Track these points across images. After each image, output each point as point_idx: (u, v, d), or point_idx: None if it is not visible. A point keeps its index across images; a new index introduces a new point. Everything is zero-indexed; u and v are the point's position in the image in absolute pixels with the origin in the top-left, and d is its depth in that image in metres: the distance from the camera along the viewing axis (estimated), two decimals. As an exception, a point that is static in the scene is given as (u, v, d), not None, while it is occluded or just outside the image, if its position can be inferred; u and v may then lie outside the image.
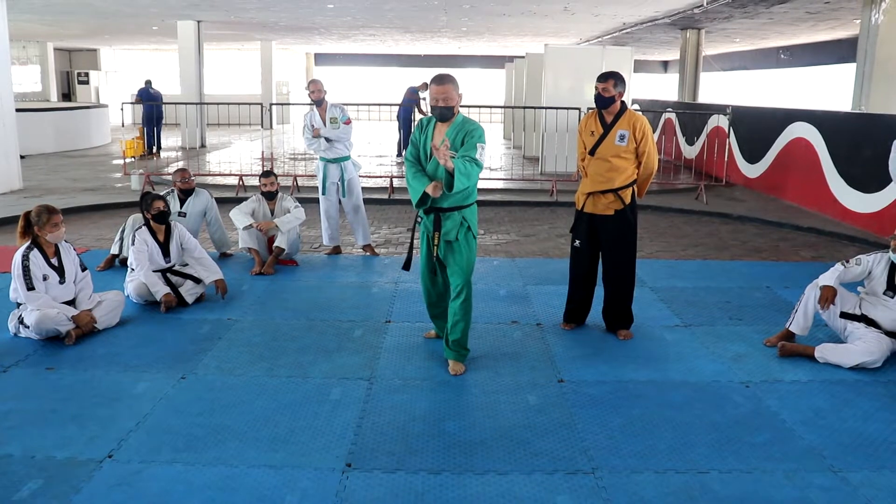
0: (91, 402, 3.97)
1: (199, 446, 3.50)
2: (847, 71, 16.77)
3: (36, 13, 17.26)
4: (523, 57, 17.61)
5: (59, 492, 3.10)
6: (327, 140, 7.17)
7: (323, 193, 7.29)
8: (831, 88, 21.91)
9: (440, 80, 4.28)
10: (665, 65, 32.36)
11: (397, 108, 15.84)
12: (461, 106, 4.35)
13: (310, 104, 7.41)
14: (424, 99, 17.85)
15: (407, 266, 4.57)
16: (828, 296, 4.65)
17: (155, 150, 16.48)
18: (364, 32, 21.30)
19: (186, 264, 5.86)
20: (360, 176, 7.53)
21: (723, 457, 3.48)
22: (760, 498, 3.14)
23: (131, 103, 16.23)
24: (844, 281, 4.76)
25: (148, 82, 17.37)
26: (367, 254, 7.46)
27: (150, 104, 16.13)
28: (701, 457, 3.48)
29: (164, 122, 17.03)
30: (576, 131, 5.30)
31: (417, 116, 15.56)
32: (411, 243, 4.69)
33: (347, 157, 7.30)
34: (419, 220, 4.50)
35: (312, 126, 7.21)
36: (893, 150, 6.18)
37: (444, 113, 4.28)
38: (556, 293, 5.81)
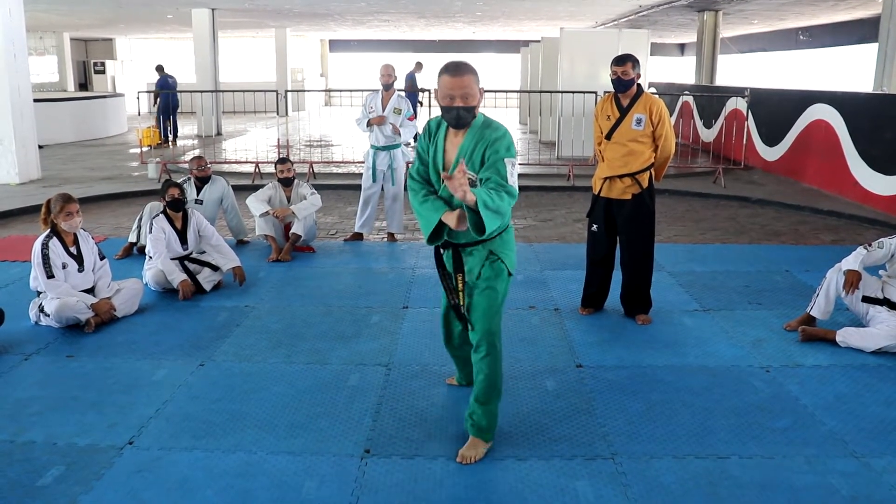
0: (111, 389, 4.00)
1: (218, 433, 3.52)
2: (868, 51, 16.53)
3: (52, 3, 17.33)
4: (539, 41, 17.49)
5: (80, 478, 3.13)
6: (369, 125, 7.14)
7: (373, 181, 7.26)
8: (852, 69, 21.60)
9: (457, 69, 3.07)
10: (682, 47, 32.04)
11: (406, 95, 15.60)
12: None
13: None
14: (423, 91, 17.43)
15: (457, 311, 3.38)
16: (853, 280, 4.60)
17: (172, 138, 16.53)
18: (378, 18, 21.21)
19: (204, 252, 5.88)
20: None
21: (743, 442, 3.46)
22: (781, 484, 3.12)
23: (147, 92, 16.21)
24: (867, 265, 4.71)
25: (160, 68, 17.34)
26: (386, 240, 7.46)
27: (166, 93, 16.17)
28: (721, 442, 3.46)
29: (179, 110, 17.04)
30: (592, 115, 5.25)
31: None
32: (444, 283, 3.42)
33: (398, 146, 7.27)
34: (442, 253, 3.38)
35: (370, 109, 7.17)
36: None
37: (464, 117, 3.09)
38: (574, 278, 5.78)
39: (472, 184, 3.04)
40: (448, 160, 3.21)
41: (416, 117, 7.53)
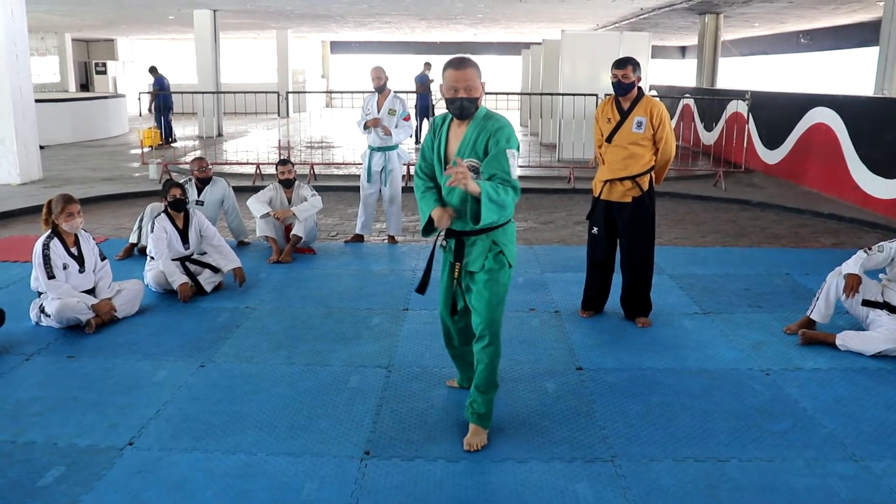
0: (111, 389, 4.00)
1: (219, 434, 3.52)
2: (869, 55, 16.54)
3: (54, 4, 17.34)
4: (540, 43, 17.48)
5: (81, 478, 3.13)
6: (367, 128, 7.17)
7: (368, 181, 7.29)
8: (853, 73, 21.61)
9: (460, 63, 3.24)
10: (683, 50, 32.04)
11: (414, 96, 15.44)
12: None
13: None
14: (433, 81, 17.31)
15: (421, 289, 3.57)
16: (853, 284, 4.60)
17: (172, 139, 16.53)
18: (380, 20, 21.22)
19: (205, 253, 5.89)
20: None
21: (742, 445, 3.46)
22: (781, 486, 3.12)
23: (149, 92, 16.23)
24: (867, 268, 4.71)
25: (153, 69, 17.30)
26: (387, 242, 7.47)
27: (164, 94, 16.19)
28: (720, 445, 3.46)
29: (173, 111, 16.98)
30: (593, 118, 5.25)
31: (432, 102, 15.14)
32: (428, 264, 3.54)
33: (394, 147, 7.28)
34: (443, 244, 3.50)
35: (367, 111, 7.21)
36: None
37: (467, 107, 3.25)
38: (574, 280, 5.79)
39: (475, 170, 3.23)
40: (450, 151, 3.36)
41: (411, 118, 7.51)
